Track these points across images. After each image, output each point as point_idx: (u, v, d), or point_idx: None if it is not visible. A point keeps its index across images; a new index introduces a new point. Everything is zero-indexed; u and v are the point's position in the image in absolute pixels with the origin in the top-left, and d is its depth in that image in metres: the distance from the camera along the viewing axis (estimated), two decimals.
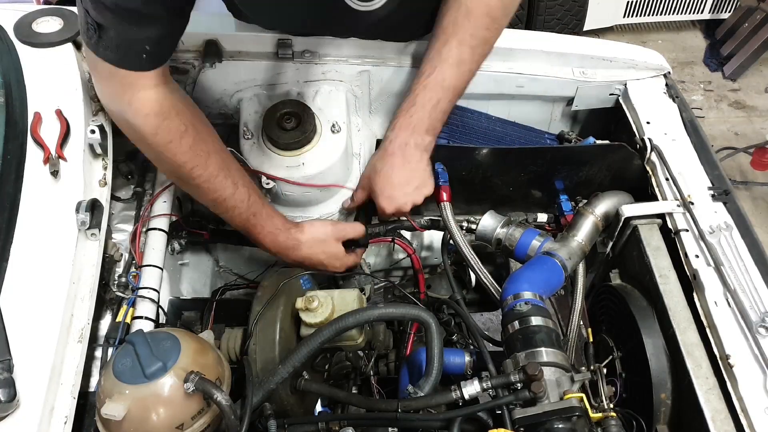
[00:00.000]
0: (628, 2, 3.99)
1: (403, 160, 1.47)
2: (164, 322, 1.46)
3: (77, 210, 1.29)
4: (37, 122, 1.41)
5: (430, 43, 1.47)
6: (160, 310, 1.43)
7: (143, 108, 1.25)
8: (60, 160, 1.36)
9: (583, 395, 1.17)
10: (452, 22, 1.42)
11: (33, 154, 1.36)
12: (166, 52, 1.26)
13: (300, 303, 1.33)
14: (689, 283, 1.37)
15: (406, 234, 1.69)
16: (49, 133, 1.40)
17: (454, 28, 1.41)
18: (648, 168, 1.59)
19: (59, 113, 1.42)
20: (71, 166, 1.37)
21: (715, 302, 1.30)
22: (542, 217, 1.71)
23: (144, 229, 1.53)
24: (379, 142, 1.66)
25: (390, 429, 1.24)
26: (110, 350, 1.31)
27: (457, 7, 1.41)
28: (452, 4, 1.42)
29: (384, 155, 1.50)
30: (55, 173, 1.34)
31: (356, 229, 1.57)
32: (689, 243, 1.41)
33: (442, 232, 1.64)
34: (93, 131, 1.40)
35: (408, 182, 1.48)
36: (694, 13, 4.16)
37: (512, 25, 1.70)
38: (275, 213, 1.50)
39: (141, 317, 1.38)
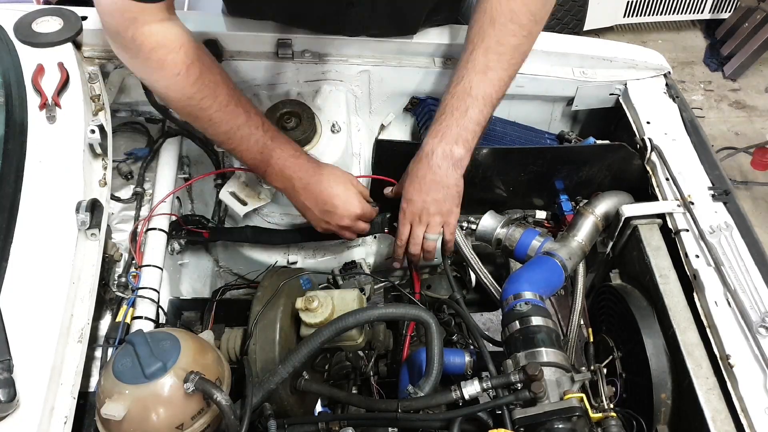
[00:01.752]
0: (628, 2, 3.99)
1: (428, 168, 1.42)
2: (164, 322, 1.46)
3: (77, 210, 1.29)
4: (38, 73, 1.46)
5: (460, 55, 1.46)
6: (160, 310, 1.43)
7: (147, 42, 1.24)
8: (56, 107, 1.42)
9: (583, 395, 1.18)
10: (478, 31, 1.41)
11: (33, 154, 1.36)
12: None
13: (300, 303, 1.33)
14: (689, 283, 1.37)
15: None
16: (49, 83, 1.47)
17: (480, 36, 1.41)
18: (648, 168, 1.59)
19: (60, 65, 1.48)
20: (71, 164, 1.37)
21: (715, 302, 1.30)
22: (540, 214, 1.71)
23: (144, 229, 1.53)
24: (379, 142, 1.66)
25: (390, 429, 1.24)
26: (110, 350, 1.31)
27: (482, 16, 1.41)
28: (479, 13, 1.42)
29: (415, 159, 1.46)
30: (51, 118, 1.39)
31: (368, 199, 1.52)
32: (689, 243, 1.41)
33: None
34: (93, 131, 1.40)
35: (429, 191, 1.43)
36: (694, 13, 4.16)
37: None
38: (290, 140, 1.45)
39: (141, 317, 1.39)
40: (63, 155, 1.37)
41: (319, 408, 1.46)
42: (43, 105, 1.42)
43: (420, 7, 1.58)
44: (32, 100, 1.44)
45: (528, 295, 1.33)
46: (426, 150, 1.43)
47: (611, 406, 1.25)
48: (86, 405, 1.24)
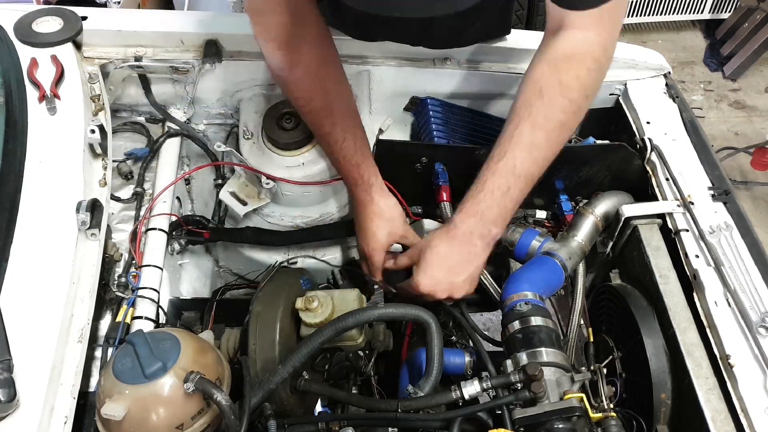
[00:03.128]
0: (628, 2, 3.99)
1: (462, 248, 1.36)
2: (164, 322, 1.46)
3: (77, 210, 1.29)
4: (33, 66, 1.48)
5: (504, 126, 1.35)
6: (160, 310, 1.43)
7: (266, 33, 1.33)
8: (55, 98, 1.44)
9: (583, 395, 1.18)
10: (525, 104, 1.29)
11: (33, 154, 1.36)
12: None
13: (300, 303, 1.33)
14: (689, 283, 1.37)
15: None
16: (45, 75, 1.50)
17: (527, 110, 1.29)
18: (648, 168, 1.59)
19: (54, 58, 1.51)
20: (71, 164, 1.37)
21: (715, 302, 1.30)
22: (540, 214, 1.71)
23: (144, 229, 1.53)
24: (379, 142, 1.66)
25: (390, 429, 1.24)
26: (110, 350, 1.31)
27: (531, 87, 1.29)
28: (527, 83, 1.31)
29: (445, 236, 1.38)
30: (51, 110, 1.42)
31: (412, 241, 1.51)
32: (689, 243, 1.40)
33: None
34: (93, 131, 1.40)
35: (459, 272, 1.38)
36: (694, 13, 4.15)
37: (512, 26, 1.71)
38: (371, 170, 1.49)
39: (141, 317, 1.39)
40: (63, 155, 1.38)
41: (319, 408, 1.46)
42: (42, 97, 1.43)
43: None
44: (32, 100, 1.44)
45: (528, 295, 1.33)
46: (462, 229, 1.35)
47: (611, 406, 1.25)
48: (86, 405, 1.24)
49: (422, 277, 1.38)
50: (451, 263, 1.37)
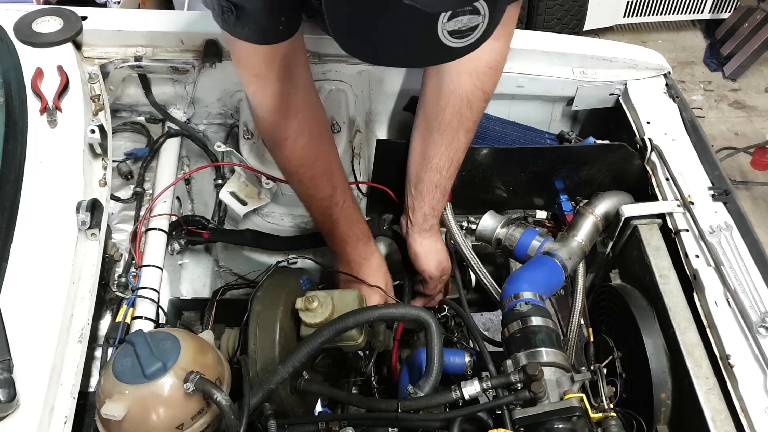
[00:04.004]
0: (628, 2, 3.99)
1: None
2: (164, 322, 1.46)
3: (77, 210, 1.29)
4: (37, 76, 1.45)
5: (436, 138, 1.48)
6: (160, 310, 1.43)
7: (264, 103, 1.31)
8: (57, 110, 1.42)
9: (583, 395, 1.18)
10: (456, 113, 1.44)
11: (33, 154, 1.36)
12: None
13: (300, 303, 1.33)
14: (689, 283, 1.37)
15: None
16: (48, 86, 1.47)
17: (458, 119, 1.44)
18: (648, 168, 1.59)
19: (60, 69, 1.48)
20: (71, 164, 1.37)
21: (715, 302, 1.30)
22: (540, 214, 1.71)
23: (144, 229, 1.53)
24: (379, 142, 1.66)
25: (390, 429, 1.24)
26: (110, 350, 1.31)
27: (460, 102, 1.42)
28: (455, 98, 1.42)
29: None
30: (52, 122, 1.40)
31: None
32: (689, 243, 1.40)
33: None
34: (93, 131, 1.40)
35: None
36: (694, 13, 4.15)
37: None
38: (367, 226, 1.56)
39: (141, 317, 1.39)
40: (63, 155, 1.37)
41: (319, 408, 1.46)
42: (44, 109, 1.41)
43: None
44: (33, 102, 1.44)
45: (528, 295, 1.33)
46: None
47: (611, 406, 1.26)
48: (86, 405, 1.24)
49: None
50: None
